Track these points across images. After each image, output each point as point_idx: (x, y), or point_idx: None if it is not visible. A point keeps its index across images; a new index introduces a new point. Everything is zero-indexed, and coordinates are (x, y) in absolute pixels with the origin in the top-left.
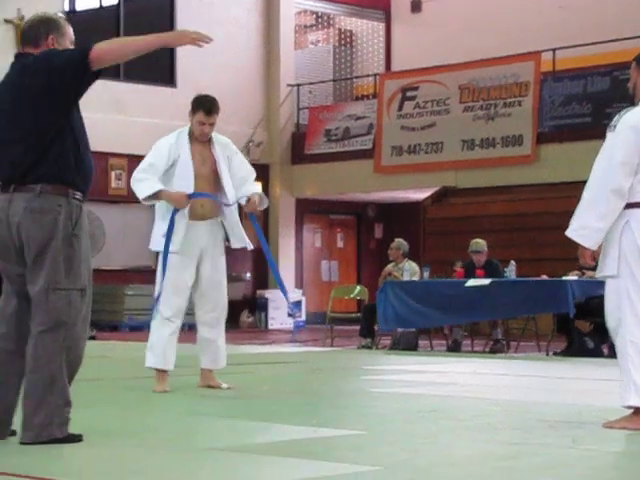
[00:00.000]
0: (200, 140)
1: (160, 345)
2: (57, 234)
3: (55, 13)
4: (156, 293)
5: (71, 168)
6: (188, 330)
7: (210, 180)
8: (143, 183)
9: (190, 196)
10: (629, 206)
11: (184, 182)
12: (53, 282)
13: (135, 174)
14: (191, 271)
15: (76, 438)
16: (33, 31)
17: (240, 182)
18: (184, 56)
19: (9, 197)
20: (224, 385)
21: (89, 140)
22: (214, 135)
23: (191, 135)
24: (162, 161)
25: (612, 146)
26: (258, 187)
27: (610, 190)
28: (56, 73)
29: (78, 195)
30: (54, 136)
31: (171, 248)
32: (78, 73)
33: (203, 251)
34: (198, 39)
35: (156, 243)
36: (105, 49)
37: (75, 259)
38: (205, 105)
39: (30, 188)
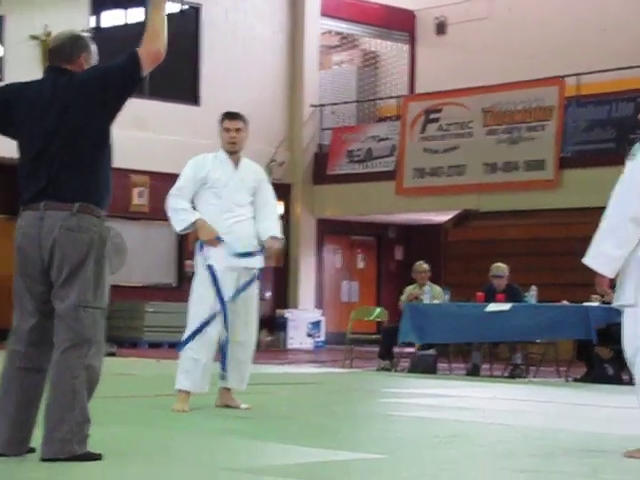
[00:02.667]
0: (230, 151)
1: (198, 369)
2: (91, 253)
3: (82, 30)
4: (203, 312)
5: (104, 188)
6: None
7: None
8: (178, 215)
9: (218, 239)
10: None
11: (224, 205)
12: (83, 300)
13: (169, 200)
14: (231, 289)
15: (95, 456)
16: (66, 47)
17: (262, 217)
18: (208, 74)
19: (40, 214)
20: (243, 405)
21: (114, 157)
22: (243, 158)
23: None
24: (189, 184)
25: (631, 174)
26: (276, 225)
27: (629, 218)
28: (111, 83)
29: (105, 215)
30: (94, 153)
31: (216, 263)
32: (132, 81)
33: (240, 271)
34: None
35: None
36: (150, 52)
37: (102, 279)
38: (227, 113)
39: (66, 206)
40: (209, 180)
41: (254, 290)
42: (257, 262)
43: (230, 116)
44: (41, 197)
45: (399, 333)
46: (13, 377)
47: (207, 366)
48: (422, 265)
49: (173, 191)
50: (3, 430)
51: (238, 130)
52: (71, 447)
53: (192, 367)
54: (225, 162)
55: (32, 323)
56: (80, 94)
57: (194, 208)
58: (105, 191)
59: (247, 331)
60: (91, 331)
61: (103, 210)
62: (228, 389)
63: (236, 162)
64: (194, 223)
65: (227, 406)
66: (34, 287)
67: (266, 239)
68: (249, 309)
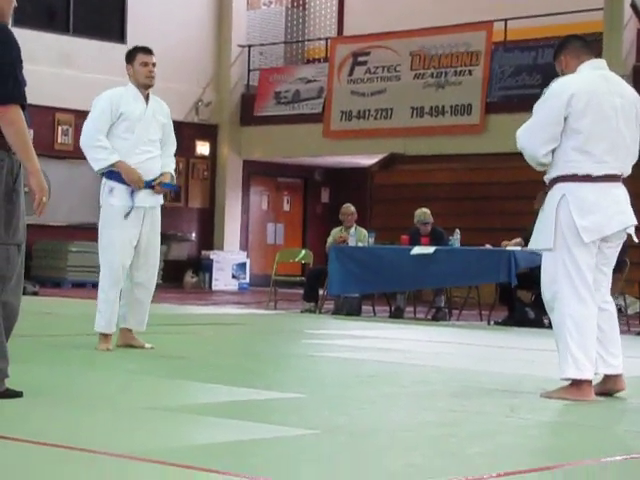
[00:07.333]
0: (148, 85)
1: (109, 309)
2: None
3: None
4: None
5: None
6: None
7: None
8: (98, 153)
9: (146, 183)
10: (564, 179)
11: (139, 144)
12: None
13: (87, 136)
14: (136, 231)
15: (15, 394)
16: None
17: (162, 154)
18: (135, 13)
19: None
20: (147, 345)
21: (37, 94)
22: (151, 95)
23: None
24: (106, 117)
25: (536, 112)
26: (173, 163)
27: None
28: None
29: None
30: None
31: (122, 202)
32: None
33: (145, 210)
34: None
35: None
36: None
37: (15, 214)
38: (141, 47)
39: None
40: (125, 113)
41: (156, 230)
42: (159, 200)
43: (146, 50)
44: None
45: (328, 283)
46: None
47: (115, 305)
48: (349, 207)
49: (90, 124)
50: None
51: (154, 64)
52: None
53: (104, 308)
54: (137, 97)
55: None
56: None
57: None
58: None
59: (148, 272)
60: (4, 267)
61: None
62: (129, 329)
63: (147, 97)
64: (114, 164)
65: (130, 346)
66: None
67: (161, 174)
68: (150, 249)
